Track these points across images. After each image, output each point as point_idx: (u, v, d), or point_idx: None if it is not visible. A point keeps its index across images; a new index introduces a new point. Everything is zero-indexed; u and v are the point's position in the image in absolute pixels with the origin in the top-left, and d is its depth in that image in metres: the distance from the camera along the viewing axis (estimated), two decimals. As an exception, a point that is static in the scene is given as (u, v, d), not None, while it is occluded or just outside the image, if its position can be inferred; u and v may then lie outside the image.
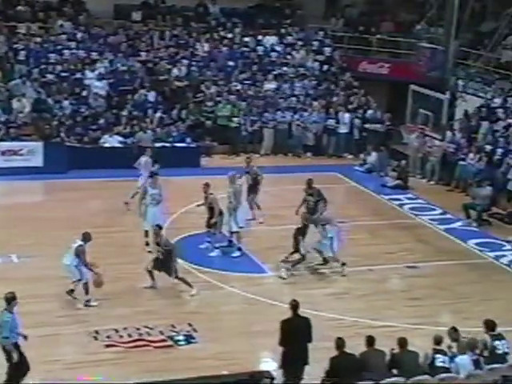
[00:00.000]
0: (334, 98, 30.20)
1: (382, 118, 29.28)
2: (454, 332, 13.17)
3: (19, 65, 28.26)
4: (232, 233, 19.49)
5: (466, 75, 29.56)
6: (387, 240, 21.19)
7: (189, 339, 15.19)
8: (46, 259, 18.35)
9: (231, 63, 31.20)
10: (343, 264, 18.52)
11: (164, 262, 16.91)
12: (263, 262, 18.95)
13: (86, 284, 16.21)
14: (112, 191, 23.58)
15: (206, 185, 19.39)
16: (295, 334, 12.72)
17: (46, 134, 26.13)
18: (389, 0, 36.37)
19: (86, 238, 16.24)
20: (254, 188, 21.52)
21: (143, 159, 22.16)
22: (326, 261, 18.66)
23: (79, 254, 16.02)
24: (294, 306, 13.06)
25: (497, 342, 13.06)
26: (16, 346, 12.72)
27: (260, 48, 32.16)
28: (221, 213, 19.27)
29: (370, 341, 12.59)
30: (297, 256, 18.27)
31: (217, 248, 19.38)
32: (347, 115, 29.24)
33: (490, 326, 13.31)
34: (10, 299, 12.84)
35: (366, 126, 29.24)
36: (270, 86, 30.52)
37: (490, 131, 26.35)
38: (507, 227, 22.72)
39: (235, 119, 28.58)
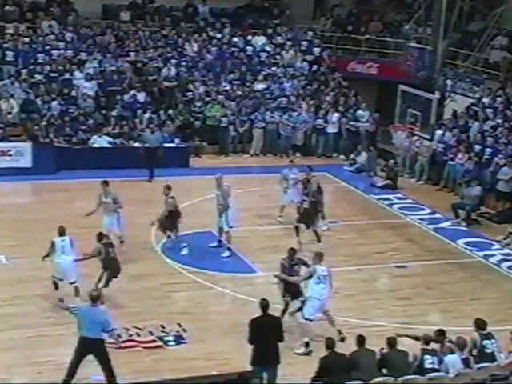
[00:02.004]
0: (324, 98, 30.21)
1: (371, 117, 29.31)
2: (439, 335, 13.15)
3: (7, 65, 28.20)
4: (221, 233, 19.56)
5: (454, 75, 29.63)
6: (376, 240, 21.22)
7: (178, 340, 15.19)
8: (34, 260, 18.27)
9: (220, 63, 31.19)
10: None
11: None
12: (253, 262, 18.95)
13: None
14: (101, 192, 23.50)
15: (167, 187, 19.23)
16: (263, 333, 12.78)
17: (34, 134, 26.08)
18: (377, 0, 36.45)
19: (63, 231, 16.22)
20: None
21: None
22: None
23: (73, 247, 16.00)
24: (264, 305, 13.05)
25: (486, 342, 13.06)
26: None
27: (249, 48, 32.17)
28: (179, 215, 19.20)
29: (361, 340, 12.60)
30: None
31: (185, 247, 19.28)
32: (336, 115, 29.24)
33: (479, 325, 13.32)
34: (96, 298, 13.13)
35: (356, 125, 29.23)
36: (260, 86, 30.54)
37: (481, 131, 26.39)
38: (496, 227, 22.78)
39: (224, 119, 28.57)
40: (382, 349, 12.66)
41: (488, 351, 13.00)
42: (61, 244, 16.10)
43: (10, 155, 24.94)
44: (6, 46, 28.86)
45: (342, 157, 29.29)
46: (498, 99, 27.44)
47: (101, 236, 16.61)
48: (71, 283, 16.05)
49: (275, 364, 12.83)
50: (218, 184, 19.36)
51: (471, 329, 13.38)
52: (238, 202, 20.37)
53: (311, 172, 21.39)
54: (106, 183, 19.15)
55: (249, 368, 12.71)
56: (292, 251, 15.85)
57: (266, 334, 12.78)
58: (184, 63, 30.60)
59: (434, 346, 12.89)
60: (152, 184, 24.38)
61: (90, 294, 13.26)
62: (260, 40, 32.61)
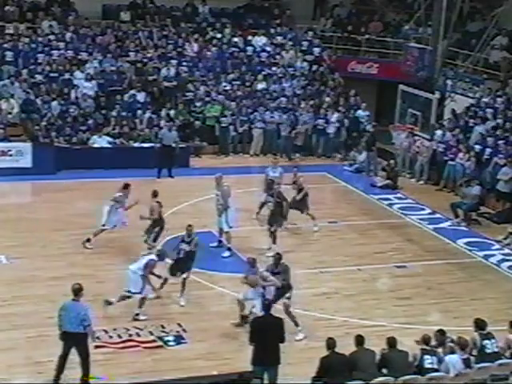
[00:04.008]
0: (325, 99, 30.21)
1: (370, 117, 29.34)
2: (440, 335, 13.15)
3: (7, 65, 28.19)
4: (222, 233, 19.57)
5: (454, 75, 29.64)
6: (376, 240, 21.22)
7: (178, 340, 15.19)
8: (34, 260, 18.36)
9: (220, 63, 31.19)
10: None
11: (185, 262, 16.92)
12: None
13: (143, 299, 15.82)
14: (101, 192, 23.50)
15: (154, 194, 19.22)
16: (264, 333, 12.79)
17: (34, 134, 26.08)
18: (377, 0, 36.45)
19: (162, 256, 16.14)
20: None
21: None
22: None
23: (147, 267, 15.80)
24: (266, 305, 13.23)
25: (486, 342, 13.07)
26: None
27: (249, 48, 32.16)
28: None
29: (360, 340, 12.59)
30: None
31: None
32: (336, 115, 29.25)
33: (479, 325, 13.33)
34: (77, 290, 13.14)
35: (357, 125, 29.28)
36: (260, 86, 30.53)
37: (483, 131, 26.36)
38: (496, 227, 22.78)
39: (224, 119, 28.56)
40: (384, 349, 12.65)
41: (488, 351, 13.01)
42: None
43: (10, 155, 24.92)
44: (5, 46, 28.87)
45: (340, 156, 29.31)
46: (499, 99, 27.43)
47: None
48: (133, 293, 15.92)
49: (276, 364, 12.84)
50: (217, 184, 19.35)
51: (472, 329, 13.40)
52: (238, 202, 20.37)
53: (297, 172, 21.54)
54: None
55: (249, 368, 12.71)
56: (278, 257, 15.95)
57: (267, 334, 12.79)
58: (184, 63, 30.61)
59: (434, 345, 12.91)
60: (154, 184, 24.37)
61: (73, 287, 13.25)
62: (260, 40, 32.62)
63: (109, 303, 15.85)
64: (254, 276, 15.50)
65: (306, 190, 21.19)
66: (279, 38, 32.96)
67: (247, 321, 15.21)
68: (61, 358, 13.21)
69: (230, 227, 19.30)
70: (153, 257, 16.04)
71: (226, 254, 19.32)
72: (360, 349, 12.54)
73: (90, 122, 27.24)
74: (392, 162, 26.76)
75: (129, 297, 15.85)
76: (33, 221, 20.99)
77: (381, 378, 12.14)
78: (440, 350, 12.90)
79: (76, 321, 12.97)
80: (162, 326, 15.53)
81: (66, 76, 28.59)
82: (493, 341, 13.15)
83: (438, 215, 23.54)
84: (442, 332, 13.19)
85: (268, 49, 32.41)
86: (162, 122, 26.90)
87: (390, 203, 24.51)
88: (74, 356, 13.23)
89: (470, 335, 13.23)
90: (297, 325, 15.36)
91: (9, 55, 28.53)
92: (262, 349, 12.72)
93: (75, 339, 13.05)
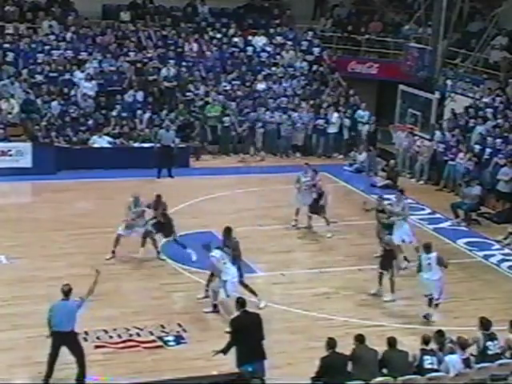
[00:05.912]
0: (324, 98, 30.21)
1: (370, 118, 29.34)
2: (439, 337, 13.11)
3: (7, 65, 28.19)
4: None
5: (454, 75, 29.65)
6: (376, 240, 21.14)
7: (178, 340, 15.19)
8: (34, 260, 18.36)
9: (220, 63, 31.18)
10: None
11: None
12: (253, 262, 18.92)
13: (431, 300, 16.44)
14: (101, 192, 23.56)
15: None
16: (246, 331, 12.64)
17: (34, 134, 26.08)
18: (377, 0, 36.45)
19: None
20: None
21: None
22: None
23: (443, 262, 16.35)
24: (241, 303, 13.03)
25: (489, 343, 12.99)
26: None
27: (249, 48, 32.15)
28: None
29: (360, 339, 12.57)
30: None
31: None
32: (336, 115, 29.26)
33: (484, 324, 13.25)
34: (68, 291, 13.18)
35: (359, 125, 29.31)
36: (260, 86, 30.53)
37: (484, 131, 26.35)
38: (496, 227, 22.77)
39: (226, 119, 28.54)
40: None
41: (490, 352, 12.96)
42: (427, 261, 16.47)
43: (10, 155, 24.94)
44: (6, 46, 28.88)
45: (341, 156, 29.34)
46: (498, 99, 27.42)
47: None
48: (426, 296, 16.57)
49: (262, 359, 12.70)
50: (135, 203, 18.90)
51: (471, 329, 13.40)
52: (238, 202, 20.33)
53: (316, 174, 21.57)
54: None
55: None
56: None
57: (250, 331, 12.67)
58: (184, 63, 30.61)
59: (433, 346, 12.88)
60: (154, 184, 24.41)
61: (63, 288, 13.26)
62: (260, 40, 32.62)
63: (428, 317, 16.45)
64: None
65: (325, 193, 21.24)
66: (279, 38, 32.94)
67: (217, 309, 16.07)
68: (50, 358, 13.22)
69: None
70: (434, 254, 16.47)
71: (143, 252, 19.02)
72: (362, 346, 12.52)
73: (90, 122, 27.25)
74: (392, 161, 26.75)
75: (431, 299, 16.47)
76: (33, 221, 20.99)
77: (380, 378, 12.13)
78: (436, 347, 12.88)
79: (67, 319, 13.01)
80: (162, 326, 15.53)
81: (66, 76, 28.60)
82: (495, 342, 13.07)
83: (438, 215, 23.53)
84: (440, 333, 13.16)
85: (268, 49, 32.40)
86: (166, 122, 26.86)
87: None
88: (69, 357, 13.25)
89: (471, 335, 13.21)
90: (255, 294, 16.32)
91: (9, 55, 28.52)
92: (247, 347, 12.53)
93: (66, 339, 13.08)
